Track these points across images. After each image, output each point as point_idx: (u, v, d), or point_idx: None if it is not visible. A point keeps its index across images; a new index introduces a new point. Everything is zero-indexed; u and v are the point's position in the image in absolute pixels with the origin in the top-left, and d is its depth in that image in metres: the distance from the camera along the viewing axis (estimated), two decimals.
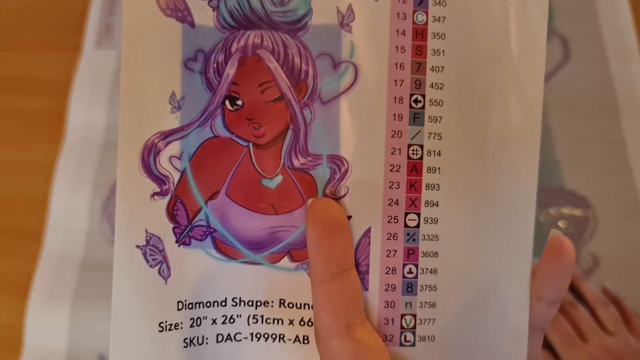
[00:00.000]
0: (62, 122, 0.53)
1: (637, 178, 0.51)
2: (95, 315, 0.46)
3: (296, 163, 0.20)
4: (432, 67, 0.20)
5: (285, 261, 0.21)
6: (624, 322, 0.44)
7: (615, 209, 0.49)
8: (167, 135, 0.20)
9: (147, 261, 0.21)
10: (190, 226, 0.21)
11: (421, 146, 0.20)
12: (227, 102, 0.20)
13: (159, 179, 0.20)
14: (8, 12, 0.59)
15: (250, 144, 0.20)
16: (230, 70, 0.19)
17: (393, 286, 0.21)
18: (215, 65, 0.19)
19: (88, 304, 0.46)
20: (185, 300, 0.22)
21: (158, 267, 0.21)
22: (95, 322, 0.46)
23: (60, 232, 0.49)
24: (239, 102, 0.20)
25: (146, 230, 0.21)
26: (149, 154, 0.20)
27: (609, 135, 0.52)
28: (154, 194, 0.20)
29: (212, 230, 0.21)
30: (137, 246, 0.21)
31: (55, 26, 0.58)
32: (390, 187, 0.20)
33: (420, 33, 0.19)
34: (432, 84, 0.20)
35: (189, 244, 0.21)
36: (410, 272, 0.21)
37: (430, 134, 0.20)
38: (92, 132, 0.53)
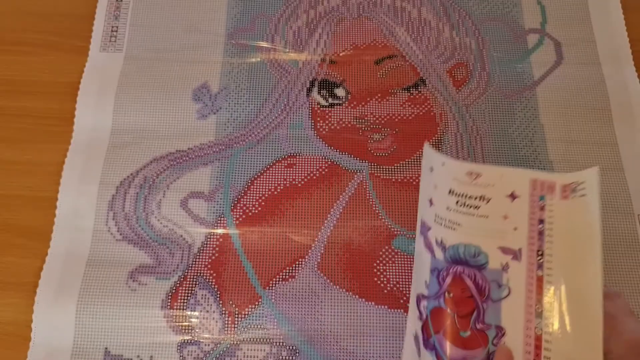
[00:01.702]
0: (69, 123, 0.54)
1: (629, 177, 0.52)
2: (101, 310, 0.47)
3: (478, 326, 0.37)
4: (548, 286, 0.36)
5: None
6: None
7: (608, 207, 0.50)
8: (420, 300, 0.40)
9: None
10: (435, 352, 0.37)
11: (540, 325, 0.36)
12: (446, 294, 0.38)
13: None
14: (17, 17, 0.60)
15: (456, 315, 0.37)
16: (448, 280, 0.38)
17: None
18: (441, 277, 0.38)
19: (94, 300, 0.47)
20: None
21: None
22: (100, 318, 0.46)
23: (67, 230, 0.50)
24: (451, 295, 0.37)
25: None
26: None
27: (601, 135, 0.53)
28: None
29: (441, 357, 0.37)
30: None
31: (63, 30, 0.59)
32: (526, 344, 0.36)
33: (539, 266, 0.37)
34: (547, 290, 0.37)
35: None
36: None
37: (546, 323, 0.36)
38: (98, 133, 0.54)
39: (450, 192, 0.39)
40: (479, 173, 0.39)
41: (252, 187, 0.52)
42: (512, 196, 0.39)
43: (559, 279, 0.36)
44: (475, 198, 0.39)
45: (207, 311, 0.47)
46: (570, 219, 0.37)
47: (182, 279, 0.48)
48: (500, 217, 0.38)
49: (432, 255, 0.39)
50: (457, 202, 0.39)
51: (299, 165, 0.52)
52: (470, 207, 0.39)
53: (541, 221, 0.38)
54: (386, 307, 0.47)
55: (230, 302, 0.47)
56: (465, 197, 0.39)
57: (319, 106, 0.55)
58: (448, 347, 0.36)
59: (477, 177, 0.39)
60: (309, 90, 0.56)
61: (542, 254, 0.37)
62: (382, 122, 0.54)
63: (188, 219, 0.50)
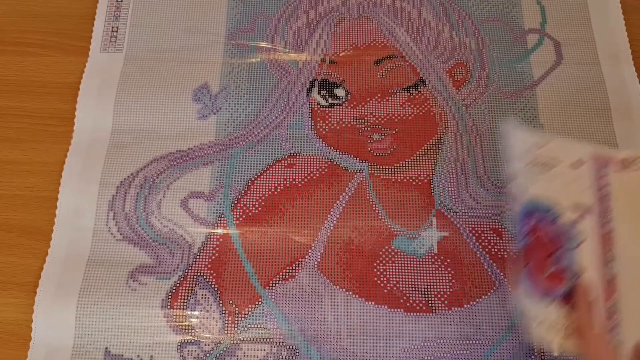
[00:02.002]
0: (69, 123, 0.54)
1: None
2: (101, 310, 0.47)
3: (556, 268, 0.41)
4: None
5: None
6: None
7: None
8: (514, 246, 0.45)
9: None
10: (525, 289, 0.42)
11: (611, 268, 0.41)
12: (528, 240, 0.42)
13: None
14: (18, 18, 0.60)
15: (538, 258, 0.42)
16: (529, 228, 0.43)
17: None
18: (524, 227, 0.43)
19: (94, 300, 0.47)
20: None
21: None
22: (101, 317, 0.47)
23: (67, 230, 0.50)
24: (532, 240, 0.43)
25: None
26: None
27: (601, 135, 0.53)
28: None
29: None
30: None
31: (63, 31, 0.59)
32: (599, 285, 0.40)
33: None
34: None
35: None
36: None
37: (617, 267, 0.41)
38: (99, 133, 0.54)
39: (522, 158, 0.45)
40: (544, 144, 0.45)
41: (252, 187, 0.52)
42: (576, 165, 0.45)
43: (624, 232, 0.42)
44: (544, 165, 0.45)
45: (207, 311, 0.47)
46: (628, 187, 0.43)
47: (182, 279, 0.48)
48: (568, 181, 0.44)
49: (516, 209, 0.44)
50: (529, 166, 0.45)
51: (299, 165, 0.53)
52: (543, 170, 0.45)
53: (603, 187, 0.43)
54: (386, 306, 0.47)
55: (231, 302, 0.47)
56: (536, 163, 0.45)
57: (319, 106, 0.55)
58: (533, 285, 0.41)
59: (542, 147, 0.45)
60: (309, 91, 0.56)
61: (607, 212, 0.43)
62: (382, 122, 0.54)
63: (188, 218, 0.50)
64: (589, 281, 0.40)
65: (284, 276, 0.48)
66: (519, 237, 0.43)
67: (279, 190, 0.51)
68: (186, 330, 0.46)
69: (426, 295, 0.47)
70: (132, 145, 0.53)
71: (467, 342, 0.46)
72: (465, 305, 0.47)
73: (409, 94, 0.55)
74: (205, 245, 0.49)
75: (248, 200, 0.51)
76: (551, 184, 0.44)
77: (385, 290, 0.47)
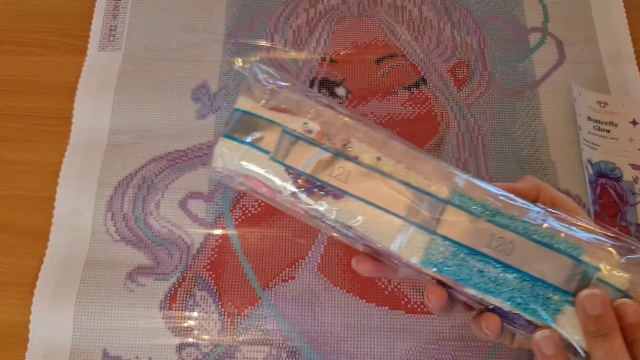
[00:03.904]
0: (68, 123, 0.54)
1: None
2: (99, 311, 0.46)
3: (622, 224, 0.47)
4: None
5: None
6: None
7: None
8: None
9: None
10: None
11: None
12: (598, 200, 0.48)
13: None
14: (16, 17, 0.60)
15: (607, 216, 0.47)
16: (598, 189, 0.47)
17: None
18: (594, 188, 0.47)
19: (92, 301, 0.47)
20: None
21: None
22: (99, 319, 0.46)
23: (65, 230, 0.50)
24: (602, 201, 0.48)
25: None
26: None
27: None
28: None
29: None
30: None
31: (61, 30, 0.59)
32: None
33: None
34: None
35: None
36: None
37: None
38: (97, 133, 0.54)
39: (588, 118, 0.50)
40: (606, 102, 0.51)
41: None
42: (634, 122, 0.50)
43: None
44: (606, 123, 0.50)
45: (206, 312, 0.47)
46: None
47: (180, 280, 0.48)
48: (627, 140, 0.50)
49: (587, 172, 0.49)
50: (594, 127, 0.50)
51: None
52: (604, 130, 0.50)
53: None
54: (387, 308, 0.47)
55: (230, 303, 0.47)
56: (599, 122, 0.50)
57: None
58: None
59: (605, 106, 0.50)
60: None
61: None
62: (383, 121, 0.54)
63: (187, 219, 0.50)
64: None
65: (283, 277, 0.48)
66: (593, 200, 0.48)
67: None
68: (185, 332, 0.46)
69: None
70: (131, 145, 0.53)
71: (469, 344, 0.45)
72: None
73: (410, 93, 0.55)
74: (204, 246, 0.49)
75: (247, 200, 0.51)
76: (613, 145, 0.49)
77: (387, 292, 0.47)
